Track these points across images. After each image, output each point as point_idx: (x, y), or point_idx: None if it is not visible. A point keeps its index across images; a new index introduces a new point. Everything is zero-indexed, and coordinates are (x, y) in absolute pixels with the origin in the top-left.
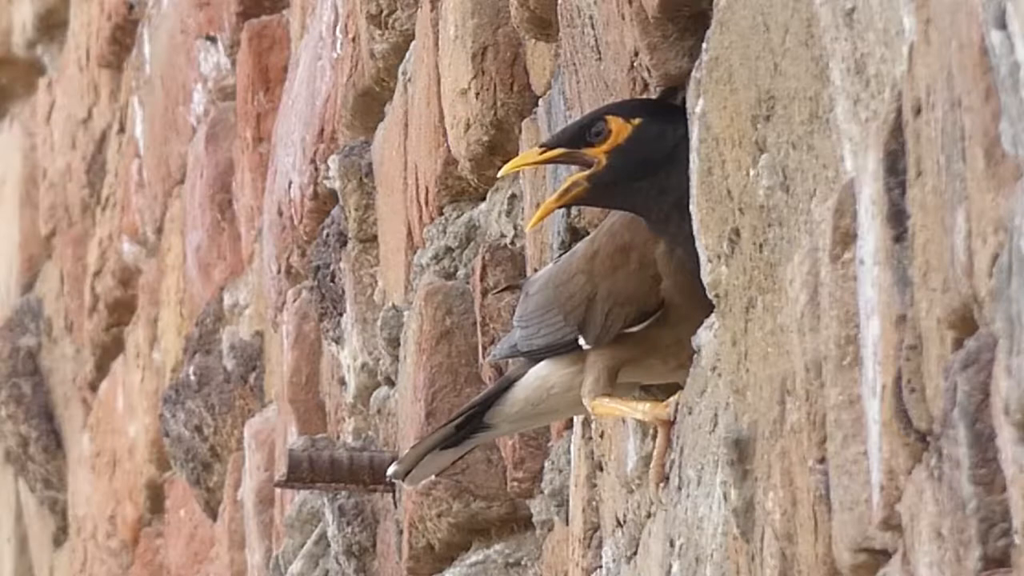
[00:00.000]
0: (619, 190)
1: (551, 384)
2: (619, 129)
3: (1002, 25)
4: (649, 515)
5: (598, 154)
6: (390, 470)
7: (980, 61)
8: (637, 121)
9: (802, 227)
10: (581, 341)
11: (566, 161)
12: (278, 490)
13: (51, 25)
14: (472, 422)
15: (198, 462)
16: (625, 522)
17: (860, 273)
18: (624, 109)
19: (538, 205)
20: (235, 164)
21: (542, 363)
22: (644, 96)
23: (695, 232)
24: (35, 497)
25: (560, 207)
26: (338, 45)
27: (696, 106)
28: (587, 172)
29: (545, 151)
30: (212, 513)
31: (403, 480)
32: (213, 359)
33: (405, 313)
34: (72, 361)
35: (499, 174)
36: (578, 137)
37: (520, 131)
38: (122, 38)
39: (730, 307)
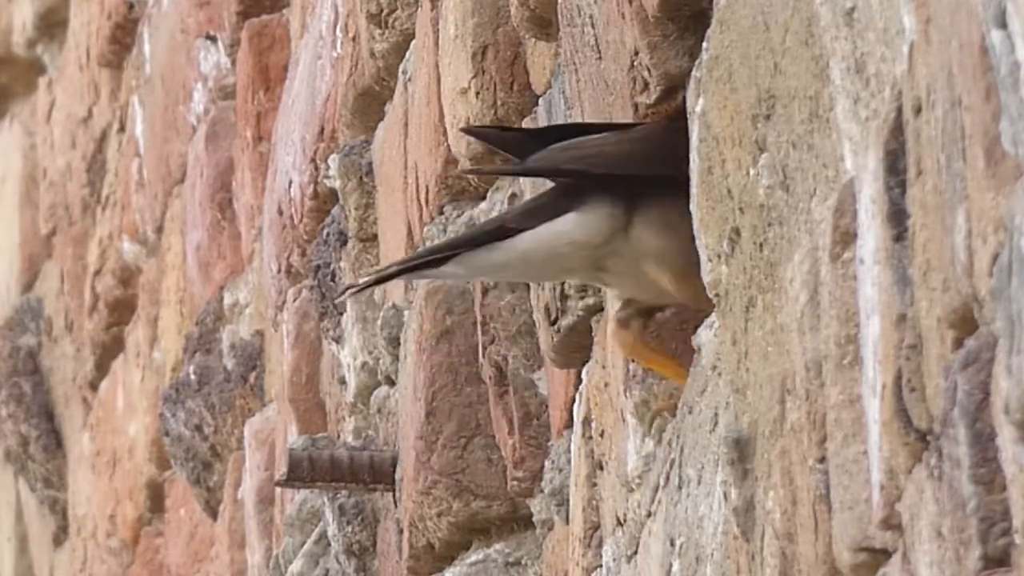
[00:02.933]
0: None
1: (574, 238)
2: None
3: (1002, 24)
4: (649, 514)
5: None
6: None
7: (980, 60)
8: None
9: (802, 226)
10: None
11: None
12: (278, 489)
13: (51, 24)
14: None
15: (198, 461)
16: (625, 521)
17: (860, 272)
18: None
19: None
20: (235, 163)
21: (571, 215)
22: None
23: (695, 231)
24: (35, 496)
25: None
26: (338, 44)
27: (696, 105)
28: None
29: None
30: (212, 512)
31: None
32: (213, 358)
33: (405, 312)
34: (72, 360)
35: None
36: None
37: None
38: (122, 37)
39: (730, 306)
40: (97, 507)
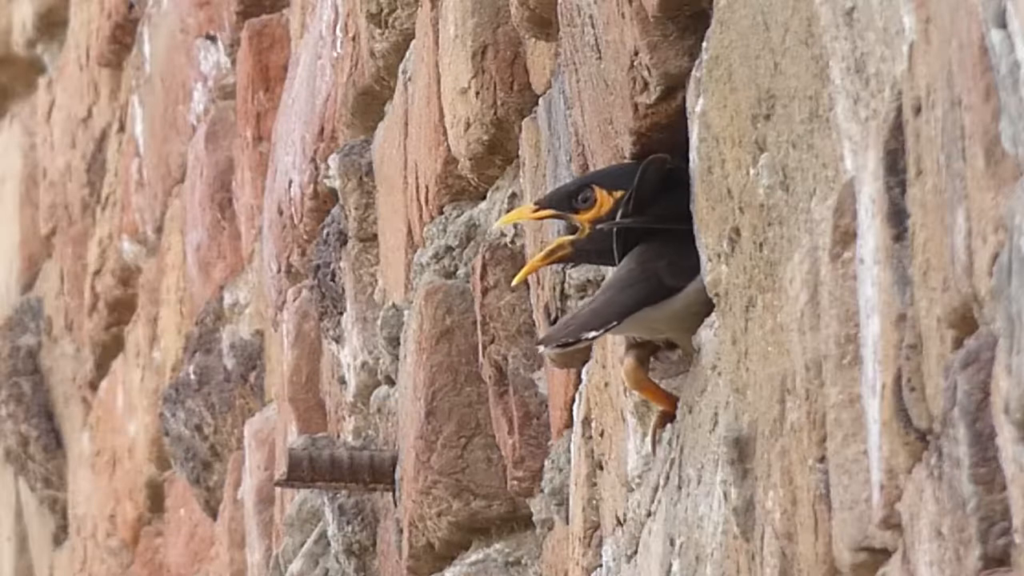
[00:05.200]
0: (601, 256)
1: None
2: (603, 200)
3: (1002, 24)
4: (649, 514)
5: (584, 221)
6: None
7: (980, 60)
8: (619, 194)
9: (802, 226)
10: None
11: (557, 217)
12: (278, 489)
13: (51, 24)
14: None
15: (198, 461)
16: (625, 521)
17: (860, 272)
18: (608, 180)
19: None
20: (235, 163)
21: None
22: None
23: (695, 231)
24: (35, 496)
25: (545, 265)
26: (338, 44)
27: (696, 105)
28: (572, 237)
29: (538, 210)
30: (212, 512)
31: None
32: (213, 358)
33: (405, 312)
34: (72, 360)
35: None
36: (567, 202)
37: (520, 130)
38: (122, 37)
39: (730, 306)
40: (97, 507)
